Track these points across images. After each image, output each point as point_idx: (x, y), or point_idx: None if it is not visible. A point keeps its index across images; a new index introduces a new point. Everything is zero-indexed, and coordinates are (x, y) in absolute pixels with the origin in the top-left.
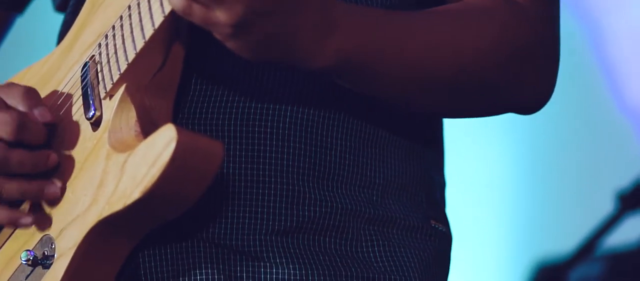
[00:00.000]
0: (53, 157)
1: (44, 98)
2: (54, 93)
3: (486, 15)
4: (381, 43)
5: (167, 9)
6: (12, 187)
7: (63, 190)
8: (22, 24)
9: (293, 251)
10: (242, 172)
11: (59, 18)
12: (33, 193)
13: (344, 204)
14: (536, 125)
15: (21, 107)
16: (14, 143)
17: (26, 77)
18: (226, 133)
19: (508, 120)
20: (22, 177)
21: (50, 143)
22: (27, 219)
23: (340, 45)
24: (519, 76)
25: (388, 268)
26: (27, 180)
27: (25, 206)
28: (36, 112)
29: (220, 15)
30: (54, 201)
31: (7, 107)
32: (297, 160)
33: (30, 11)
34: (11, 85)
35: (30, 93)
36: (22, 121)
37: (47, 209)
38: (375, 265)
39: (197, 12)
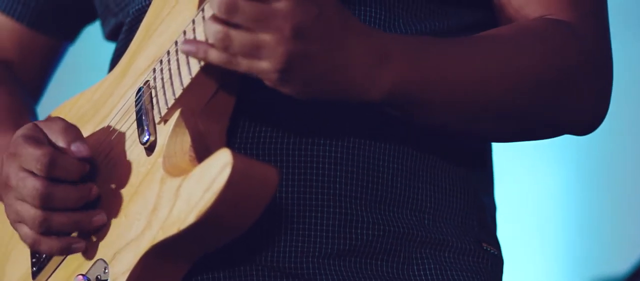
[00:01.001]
0: (94, 190)
1: (96, 124)
2: (107, 119)
3: (537, 38)
4: (435, 71)
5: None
6: (60, 220)
7: (116, 214)
8: (72, 52)
9: (346, 275)
10: (296, 196)
11: (110, 47)
12: (81, 225)
13: (396, 227)
14: (589, 143)
15: (60, 142)
16: (55, 179)
17: (79, 103)
18: (278, 158)
19: (559, 138)
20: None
21: (103, 170)
22: (80, 244)
23: (394, 76)
24: (573, 98)
25: None
26: (74, 211)
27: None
28: (73, 148)
29: (264, 64)
30: (108, 226)
31: (43, 143)
32: (349, 184)
33: (81, 39)
34: (53, 119)
35: (69, 129)
36: (54, 158)
37: (101, 233)
38: None
39: (242, 64)
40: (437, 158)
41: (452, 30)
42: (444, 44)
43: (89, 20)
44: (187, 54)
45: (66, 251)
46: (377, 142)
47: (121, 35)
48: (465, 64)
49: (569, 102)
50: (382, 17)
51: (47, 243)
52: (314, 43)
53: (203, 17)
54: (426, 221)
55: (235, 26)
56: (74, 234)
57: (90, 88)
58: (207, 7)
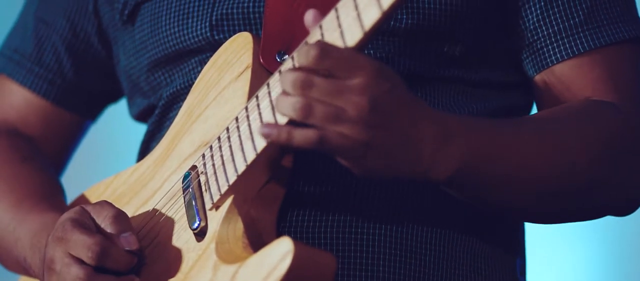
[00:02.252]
0: None
1: (136, 207)
2: (149, 203)
3: (588, 120)
4: (497, 150)
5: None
6: None
7: None
8: (94, 130)
9: None
10: None
11: (134, 126)
12: None
13: None
14: (623, 224)
15: (110, 230)
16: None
17: (113, 185)
18: (326, 245)
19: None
20: None
21: (149, 255)
22: None
23: (459, 155)
24: (622, 178)
25: None
26: None
27: None
28: (123, 239)
29: (346, 141)
30: None
31: (92, 230)
32: (394, 269)
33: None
34: (102, 204)
35: (120, 217)
36: (106, 248)
37: None
38: None
39: (332, 141)
40: (477, 243)
41: (493, 114)
42: (503, 123)
43: (113, 99)
44: (267, 138)
45: None
46: (422, 227)
47: (153, 118)
48: (526, 144)
49: (617, 182)
50: (428, 101)
51: None
52: (389, 116)
53: (268, 94)
54: None
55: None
56: None
57: (125, 171)
58: (272, 82)
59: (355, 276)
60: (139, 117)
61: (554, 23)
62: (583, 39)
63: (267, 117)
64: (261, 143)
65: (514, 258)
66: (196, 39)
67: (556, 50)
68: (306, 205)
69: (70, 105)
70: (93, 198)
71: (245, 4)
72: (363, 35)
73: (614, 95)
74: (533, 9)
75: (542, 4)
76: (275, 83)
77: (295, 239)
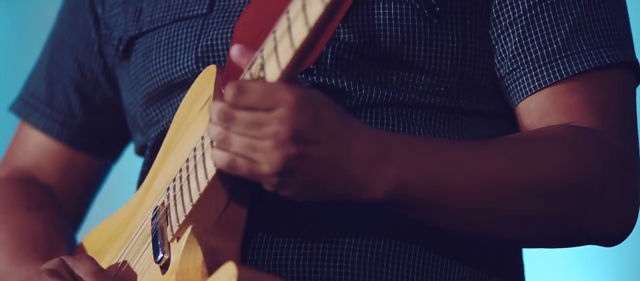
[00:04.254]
0: None
1: (119, 247)
2: (128, 241)
3: (560, 144)
4: (440, 171)
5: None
6: None
7: None
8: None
9: None
10: None
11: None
12: None
13: None
14: (628, 254)
15: None
16: None
17: (107, 226)
18: (295, 273)
19: (595, 248)
20: None
21: None
22: None
23: (395, 174)
24: (598, 206)
25: None
26: None
27: None
28: None
29: (262, 168)
30: None
31: (69, 276)
32: None
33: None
34: (83, 258)
35: (98, 274)
36: None
37: None
38: None
39: (242, 167)
40: (463, 269)
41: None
42: (452, 143)
43: (129, 138)
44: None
45: None
46: (391, 255)
47: (146, 158)
48: (474, 165)
49: (593, 210)
50: (401, 129)
51: None
52: (312, 145)
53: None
54: None
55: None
56: None
57: (117, 211)
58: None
59: None
60: (139, 152)
61: (531, 51)
62: (561, 66)
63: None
64: (212, 170)
65: None
66: (183, 72)
67: (534, 78)
68: (269, 233)
69: (83, 146)
70: (90, 243)
71: (229, 35)
72: (294, 54)
73: (593, 121)
74: (512, 37)
75: (521, 32)
76: None
77: (244, 265)
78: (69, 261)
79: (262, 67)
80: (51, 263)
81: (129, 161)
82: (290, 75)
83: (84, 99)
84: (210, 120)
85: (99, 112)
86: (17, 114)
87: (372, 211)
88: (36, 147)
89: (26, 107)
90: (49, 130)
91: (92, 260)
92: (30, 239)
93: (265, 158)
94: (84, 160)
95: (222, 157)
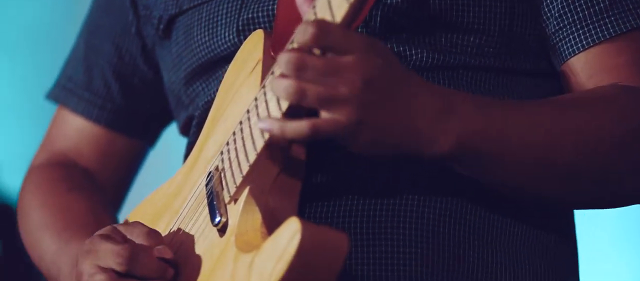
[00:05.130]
0: None
1: (171, 217)
2: (180, 210)
3: (609, 102)
4: (502, 127)
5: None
6: None
7: None
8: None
9: None
10: (365, 268)
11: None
12: None
13: None
14: None
15: (143, 244)
16: (127, 275)
17: (155, 199)
18: (352, 233)
19: None
20: None
21: (179, 257)
22: None
23: (461, 129)
24: None
25: None
26: None
27: None
28: (157, 249)
29: (338, 115)
30: None
31: (122, 240)
32: (422, 259)
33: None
34: (135, 223)
35: (152, 233)
36: (136, 253)
37: None
38: None
39: (321, 127)
40: (517, 231)
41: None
42: (512, 103)
43: (167, 121)
44: (264, 131)
45: None
46: (449, 217)
47: (192, 129)
48: (535, 122)
49: (638, 167)
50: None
51: None
52: (383, 93)
53: (270, 84)
54: None
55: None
56: None
57: (165, 183)
58: (275, 69)
59: (377, 262)
60: (183, 130)
61: (578, 10)
62: (608, 25)
63: (272, 105)
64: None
65: (562, 251)
66: (225, 46)
67: (580, 37)
68: (326, 191)
69: (122, 128)
70: (138, 217)
71: (270, 7)
72: (349, 7)
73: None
74: None
75: None
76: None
77: (305, 219)
78: (121, 227)
79: (331, 10)
80: (102, 230)
81: (165, 145)
82: (355, 15)
83: (123, 82)
84: (277, 77)
85: (137, 94)
86: (54, 101)
87: (428, 171)
88: (75, 131)
89: (64, 92)
90: (88, 114)
91: (143, 224)
92: (75, 219)
93: (342, 108)
94: (123, 143)
95: (299, 127)
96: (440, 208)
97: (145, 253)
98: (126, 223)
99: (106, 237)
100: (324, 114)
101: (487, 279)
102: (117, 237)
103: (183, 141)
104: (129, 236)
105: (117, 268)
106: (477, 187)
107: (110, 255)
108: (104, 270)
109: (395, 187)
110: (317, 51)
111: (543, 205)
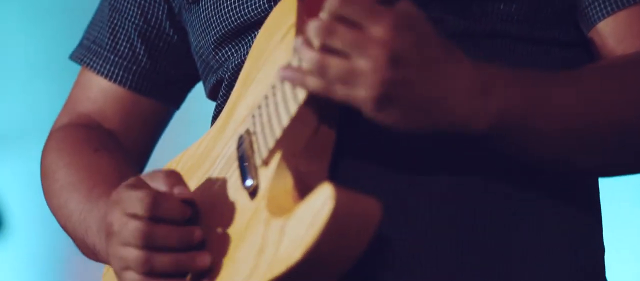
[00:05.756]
0: (198, 232)
1: (200, 178)
2: (210, 171)
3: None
4: (539, 101)
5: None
6: (162, 260)
7: (223, 262)
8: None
9: None
10: (398, 239)
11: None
12: (183, 265)
13: (498, 272)
14: None
15: (162, 187)
16: (156, 220)
17: (183, 160)
18: (381, 196)
19: None
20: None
21: (209, 219)
22: None
23: (498, 106)
24: None
25: None
26: (177, 252)
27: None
28: (176, 190)
29: (360, 92)
30: (217, 274)
31: (146, 186)
32: (453, 226)
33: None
34: (154, 171)
35: (170, 174)
36: (157, 198)
37: None
38: None
39: (339, 92)
40: (544, 199)
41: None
42: (548, 74)
43: (192, 83)
44: (284, 80)
45: None
46: (484, 182)
47: (221, 91)
48: (573, 94)
49: None
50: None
51: None
52: (412, 71)
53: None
54: (532, 264)
55: (332, 52)
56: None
57: (192, 145)
58: (304, 36)
59: (409, 230)
60: (212, 94)
61: None
62: None
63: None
64: (301, 95)
65: (587, 216)
66: (256, 12)
67: (608, 1)
68: (358, 157)
69: (147, 91)
70: None
71: None
72: None
73: None
74: None
75: None
76: None
77: (338, 185)
78: (143, 176)
79: None
80: (127, 181)
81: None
82: None
83: (148, 45)
84: (303, 44)
85: (163, 57)
86: (78, 62)
87: (462, 146)
88: (99, 93)
89: (88, 54)
90: (113, 76)
91: (161, 170)
92: (101, 179)
93: (364, 82)
94: (147, 106)
95: (317, 82)
96: (468, 179)
97: (168, 198)
98: (148, 173)
99: (131, 186)
100: (343, 88)
101: (516, 248)
102: (141, 185)
103: (205, 104)
104: (149, 182)
105: (143, 213)
106: (510, 163)
107: (135, 202)
108: (132, 216)
109: (428, 157)
110: (350, 22)
111: (575, 176)
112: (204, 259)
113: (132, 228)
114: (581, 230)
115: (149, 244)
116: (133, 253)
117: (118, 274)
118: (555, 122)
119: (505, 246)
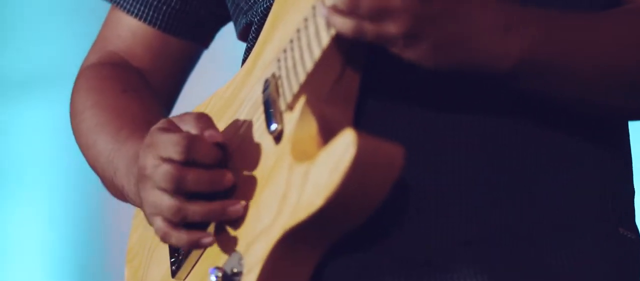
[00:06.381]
0: (229, 176)
1: (227, 120)
2: (237, 113)
3: None
4: (564, 39)
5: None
6: (195, 209)
7: (247, 206)
8: (206, 55)
9: (479, 263)
10: (424, 182)
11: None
12: (216, 214)
13: (528, 213)
14: None
15: (193, 130)
16: (188, 164)
17: (212, 102)
18: (405, 141)
19: None
20: (203, 198)
21: (234, 163)
22: (209, 239)
23: (523, 44)
24: None
25: (576, 277)
26: (209, 201)
27: (211, 226)
28: (206, 133)
29: (390, 28)
30: (240, 218)
31: (180, 129)
32: (478, 170)
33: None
34: (186, 113)
35: (201, 117)
36: (192, 141)
37: (234, 226)
38: (562, 274)
39: (369, 30)
40: (573, 141)
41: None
42: (573, 14)
43: (222, 23)
44: (318, 16)
45: (195, 244)
46: (510, 123)
47: (251, 34)
48: (595, 32)
49: None
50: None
51: (177, 236)
52: (440, 8)
53: None
54: (560, 207)
55: None
56: (210, 228)
57: (222, 87)
58: None
59: (435, 176)
60: (241, 36)
61: None
62: None
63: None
64: (326, 38)
65: (616, 157)
66: None
67: None
68: (383, 102)
69: (177, 31)
70: None
71: None
72: None
73: None
74: None
75: None
76: None
77: (360, 130)
78: (174, 119)
79: None
80: (159, 124)
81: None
82: None
83: None
84: None
85: None
86: (108, 0)
87: (489, 88)
88: (129, 32)
89: None
90: (143, 15)
91: (191, 112)
92: (130, 120)
93: (394, 18)
94: (177, 46)
95: (346, 22)
96: (495, 120)
97: (202, 141)
98: (178, 115)
99: (164, 129)
100: (372, 26)
101: (541, 185)
102: (174, 128)
103: (235, 45)
104: (180, 125)
105: (177, 157)
106: (534, 102)
107: (170, 145)
108: (166, 160)
109: (454, 101)
110: None
111: (604, 118)
112: (236, 208)
113: (163, 171)
114: (611, 173)
115: (180, 188)
116: (166, 201)
117: (148, 218)
118: (579, 62)
119: (535, 188)
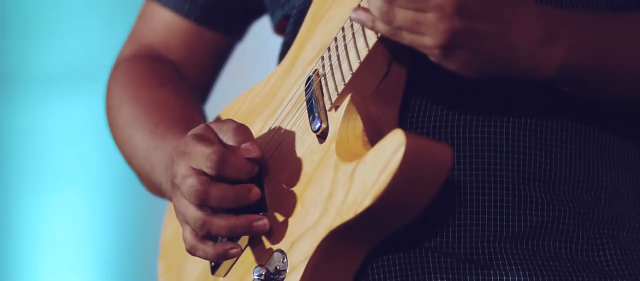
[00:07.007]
0: (255, 191)
1: (266, 117)
2: (277, 112)
3: None
4: (605, 45)
5: None
6: (220, 225)
7: (292, 204)
8: (241, 48)
9: (522, 258)
10: (467, 179)
11: (278, 41)
12: (242, 229)
13: (571, 208)
14: None
15: (231, 142)
16: (217, 178)
17: (249, 98)
18: (452, 139)
19: None
20: (229, 211)
21: (276, 161)
22: (236, 250)
23: (564, 51)
24: None
25: (619, 272)
26: (234, 215)
27: None
28: (243, 148)
29: (426, 40)
30: (284, 217)
31: (213, 142)
32: (522, 165)
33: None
34: (225, 120)
35: (240, 129)
36: (225, 156)
37: (278, 223)
38: (606, 269)
39: (405, 38)
40: (612, 135)
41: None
42: (611, 17)
43: (256, 16)
44: (355, 21)
45: (222, 257)
46: (551, 121)
47: (288, 28)
48: (635, 34)
49: None
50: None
51: (203, 249)
52: (478, 20)
53: None
54: (603, 201)
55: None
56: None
57: (259, 83)
58: None
59: (479, 173)
60: (278, 30)
61: None
62: None
63: None
64: (373, 39)
65: None
66: None
67: None
68: (428, 100)
69: (212, 24)
70: (231, 114)
71: None
72: None
73: None
74: None
75: None
76: None
77: (409, 131)
78: (213, 125)
79: None
80: (196, 129)
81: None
82: None
83: None
84: None
85: None
86: None
87: (532, 88)
88: (164, 25)
89: None
90: (179, 9)
91: (232, 120)
92: (167, 114)
93: (429, 31)
94: (211, 39)
95: (384, 29)
96: (539, 115)
97: (235, 156)
98: (218, 120)
99: (199, 138)
100: (409, 35)
101: (584, 179)
102: (209, 137)
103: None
104: (219, 133)
105: (208, 171)
106: (577, 97)
107: (201, 158)
108: (197, 172)
109: (498, 101)
110: None
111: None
112: (262, 224)
113: (189, 184)
114: None
115: (203, 203)
116: (193, 213)
117: (180, 224)
118: (620, 63)
119: (577, 185)
